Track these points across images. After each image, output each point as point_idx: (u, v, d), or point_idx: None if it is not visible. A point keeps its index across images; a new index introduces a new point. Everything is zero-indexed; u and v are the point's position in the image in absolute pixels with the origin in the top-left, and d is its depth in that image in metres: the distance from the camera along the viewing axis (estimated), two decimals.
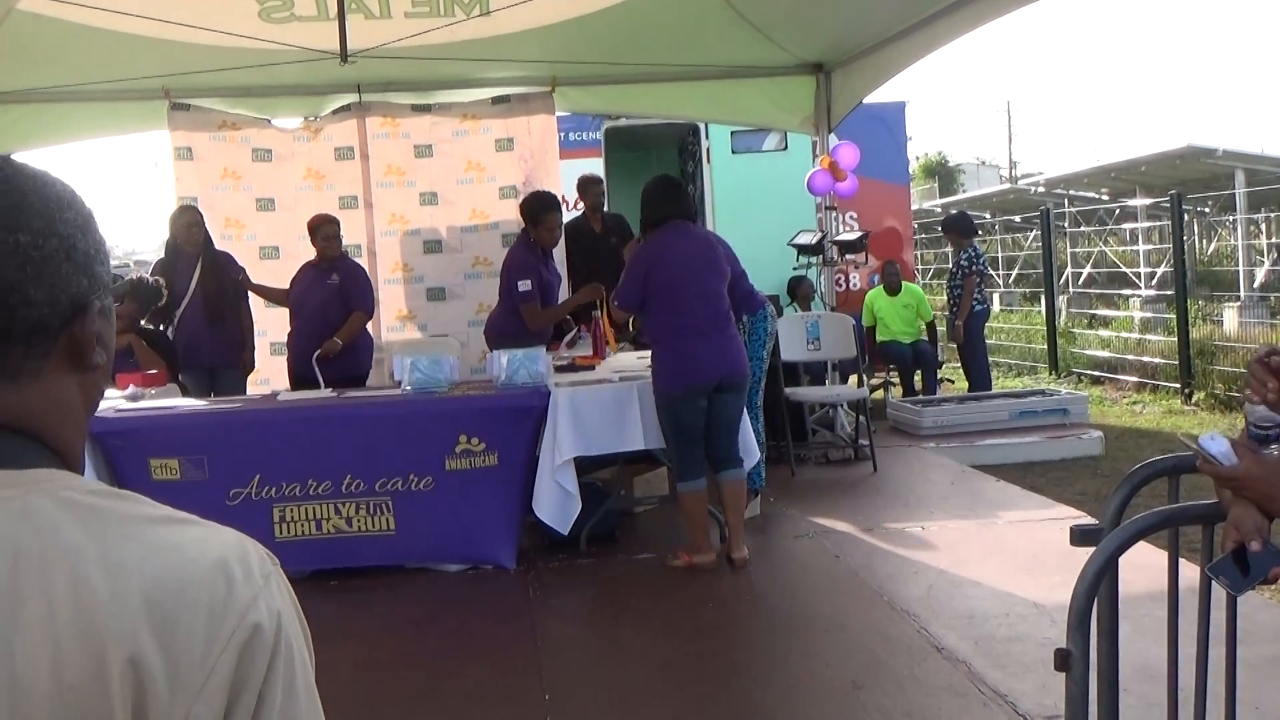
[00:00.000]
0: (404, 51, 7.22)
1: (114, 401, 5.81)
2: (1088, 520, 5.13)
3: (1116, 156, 18.41)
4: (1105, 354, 13.42)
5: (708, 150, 10.85)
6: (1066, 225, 18.59)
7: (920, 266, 18.74)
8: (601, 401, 5.75)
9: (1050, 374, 13.47)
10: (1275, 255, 16.71)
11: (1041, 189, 20.23)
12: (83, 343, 0.94)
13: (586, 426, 5.67)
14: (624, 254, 6.37)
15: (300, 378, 6.91)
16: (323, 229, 7.00)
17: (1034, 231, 18.17)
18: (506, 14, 7.08)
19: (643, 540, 6.29)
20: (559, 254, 7.28)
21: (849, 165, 8.52)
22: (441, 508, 5.64)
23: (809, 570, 5.67)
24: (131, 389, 6.08)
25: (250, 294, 7.47)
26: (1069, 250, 18.59)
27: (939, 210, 22.55)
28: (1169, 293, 13.97)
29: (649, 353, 5.85)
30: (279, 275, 7.64)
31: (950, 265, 11.38)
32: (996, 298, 17.77)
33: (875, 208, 10.94)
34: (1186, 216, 14.55)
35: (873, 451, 7.91)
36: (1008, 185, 31.68)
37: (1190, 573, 2.68)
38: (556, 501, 5.63)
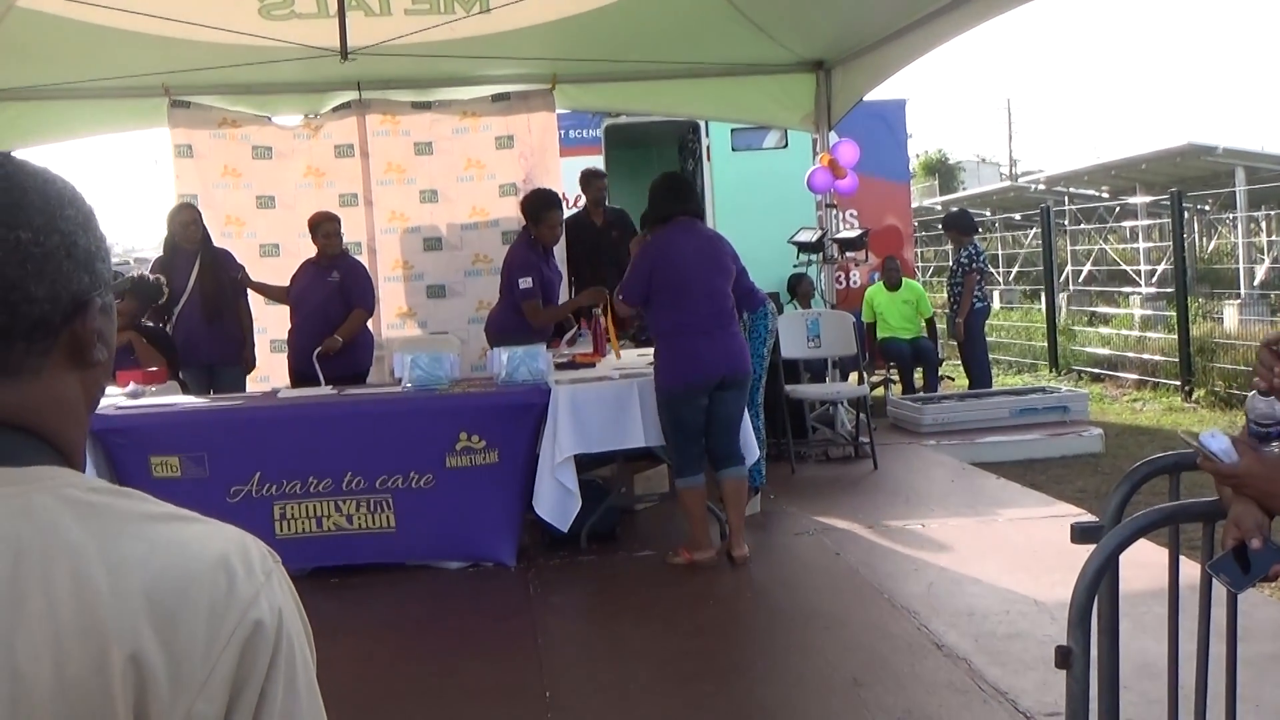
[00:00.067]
0: (404, 49, 7.22)
1: (114, 399, 5.82)
2: (1088, 518, 5.14)
3: (1117, 154, 18.41)
4: (1105, 351, 13.43)
5: (708, 148, 10.84)
6: (1067, 223, 18.58)
7: (920, 264, 18.74)
8: (602, 399, 5.75)
9: (1050, 371, 13.48)
10: (1275, 253, 16.71)
11: (1042, 186, 20.21)
12: (84, 339, 0.94)
13: (587, 424, 5.67)
14: (629, 248, 6.37)
15: (301, 375, 6.91)
16: (323, 226, 7.00)
17: (1034, 229, 18.17)
18: (506, 11, 7.08)
19: (643, 538, 6.29)
20: (559, 249, 7.28)
21: (849, 163, 8.52)
22: (442, 505, 5.64)
23: (809, 568, 5.68)
24: (132, 386, 6.09)
25: (250, 291, 7.47)
26: (1069, 248, 18.58)
27: (939, 208, 22.54)
28: (1169, 290, 13.96)
29: (650, 350, 5.85)
30: (279, 273, 7.63)
31: (950, 263, 11.38)
32: (997, 295, 17.76)
33: (875, 205, 10.93)
34: (1187, 214, 14.55)
35: (873, 449, 7.92)
36: (1008, 183, 31.67)
37: (1191, 570, 2.68)
38: (556, 499, 5.64)
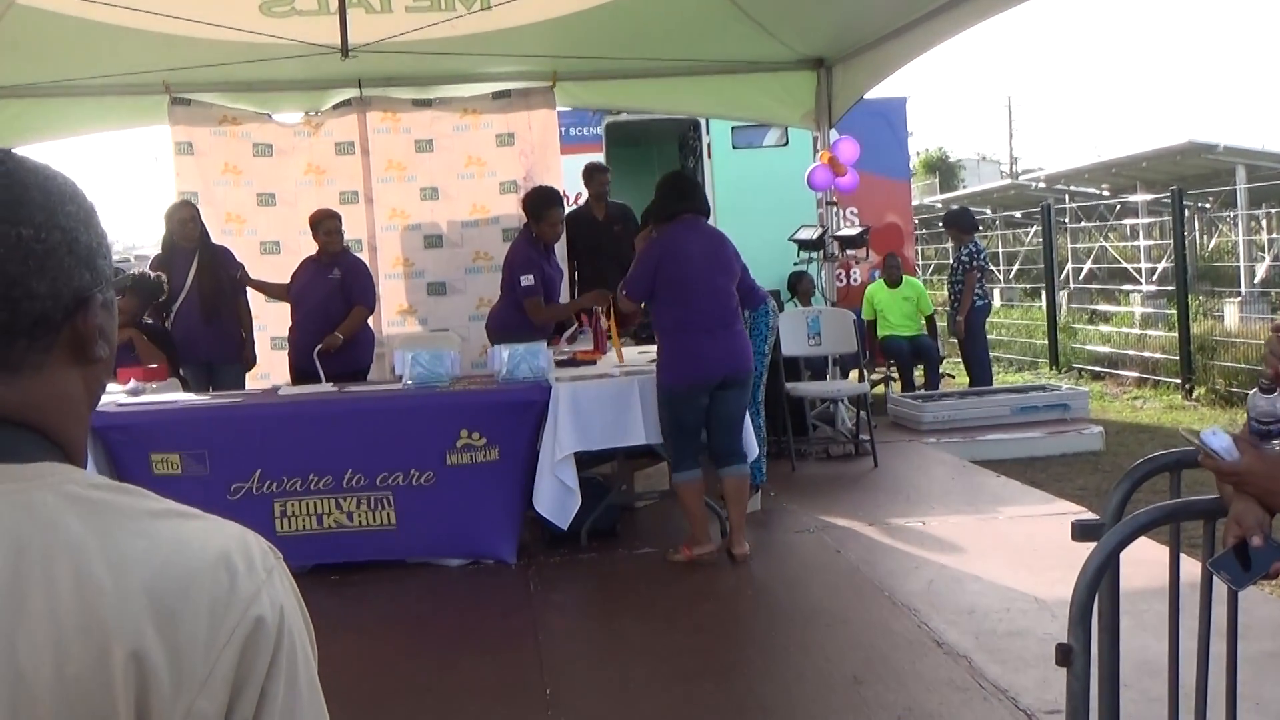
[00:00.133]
0: (405, 46, 7.22)
1: (115, 396, 5.81)
2: (1088, 515, 5.13)
3: (1117, 152, 18.41)
4: (1106, 349, 13.42)
5: (708, 145, 10.83)
6: (1067, 221, 18.57)
7: (921, 262, 18.73)
8: (602, 396, 5.75)
9: (1051, 369, 13.47)
10: (1276, 251, 16.71)
11: (1042, 184, 20.20)
12: (85, 336, 0.94)
13: (587, 421, 5.67)
14: (634, 244, 6.38)
15: (301, 372, 6.91)
16: (324, 224, 7.00)
17: (1035, 227, 18.16)
18: (507, 8, 7.07)
19: (643, 535, 6.30)
20: (560, 246, 7.28)
21: (848, 160, 8.51)
22: (442, 502, 5.64)
23: (810, 565, 5.68)
24: (133, 383, 6.09)
25: (250, 289, 7.46)
26: (1070, 246, 18.58)
27: (940, 206, 22.53)
28: (1170, 288, 13.95)
29: (650, 348, 5.85)
30: (280, 270, 7.63)
31: (951, 261, 11.37)
32: (997, 293, 17.75)
33: (876, 203, 10.93)
34: (1187, 212, 14.54)
35: (873, 447, 7.92)
36: (1008, 181, 31.67)
37: (1191, 568, 2.68)
38: (556, 496, 5.64)
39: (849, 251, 9.65)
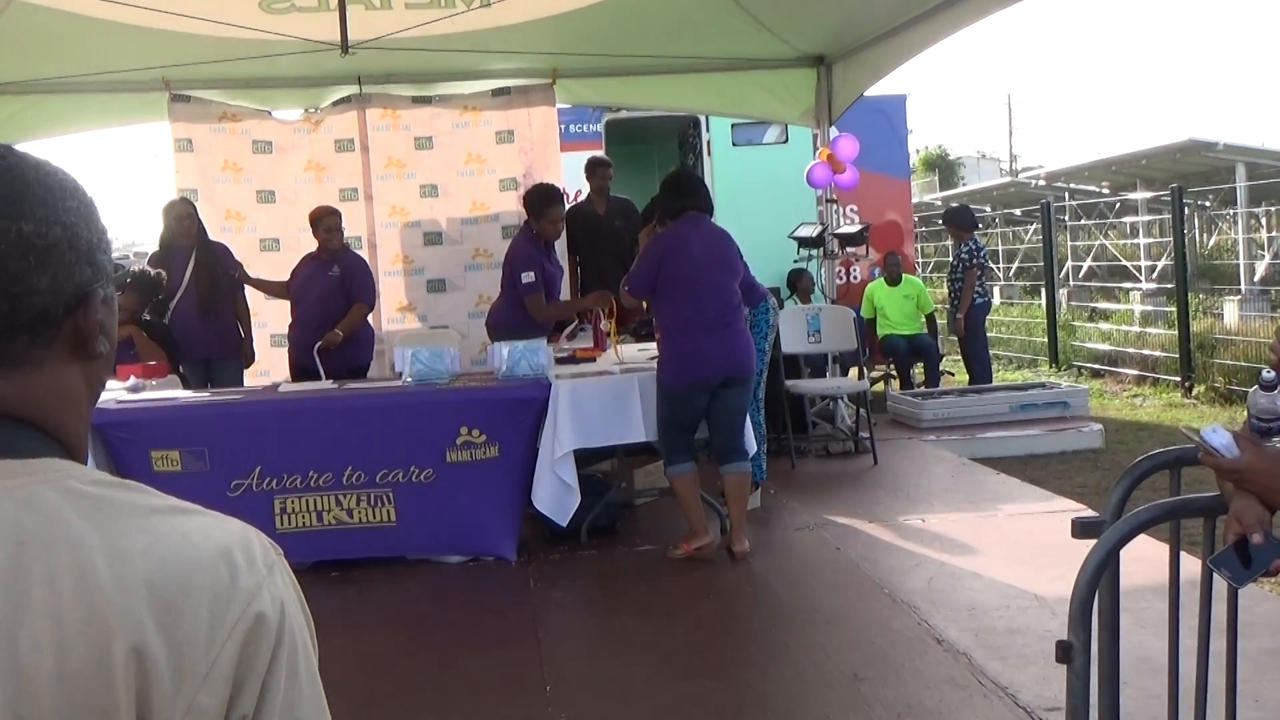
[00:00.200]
0: (404, 43, 7.21)
1: (115, 393, 5.81)
2: (1088, 513, 5.13)
3: (1117, 150, 18.41)
4: (1106, 347, 13.43)
5: (708, 143, 10.83)
6: (1067, 219, 18.58)
7: (921, 260, 18.72)
8: (602, 393, 5.75)
9: (1050, 367, 13.48)
10: (1276, 249, 16.71)
11: (1042, 182, 20.21)
12: (86, 331, 0.94)
13: (587, 419, 5.67)
14: (638, 239, 6.37)
15: (301, 369, 6.91)
16: (324, 221, 7.00)
17: (1034, 225, 18.16)
18: (507, 5, 7.07)
19: (643, 532, 6.30)
20: (560, 240, 7.27)
21: (847, 157, 8.51)
22: (442, 499, 5.64)
23: (810, 562, 5.68)
24: (132, 380, 6.08)
25: (249, 287, 7.46)
26: (1069, 244, 18.58)
27: (939, 203, 22.53)
28: (1169, 286, 13.96)
29: (650, 345, 5.84)
30: (279, 267, 7.63)
31: (951, 259, 11.37)
32: (997, 291, 17.76)
33: (876, 201, 10.93)
34: (1187, 210, 14.54)
35: (873, 444, 7.92)
36: (1008, 178, 31.67)
37: (1191, 565, 2.68)
38: (555, 493, 5.63)
39: (849, 249, 9.65)
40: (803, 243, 9.26)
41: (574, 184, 8.94)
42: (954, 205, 14.25)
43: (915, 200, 16.81)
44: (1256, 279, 15.89)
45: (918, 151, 38.83)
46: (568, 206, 7.73)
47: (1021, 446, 8.52)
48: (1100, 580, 2.23)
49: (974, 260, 10.65)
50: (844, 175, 8.57)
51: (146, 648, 0.84)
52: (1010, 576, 5.13)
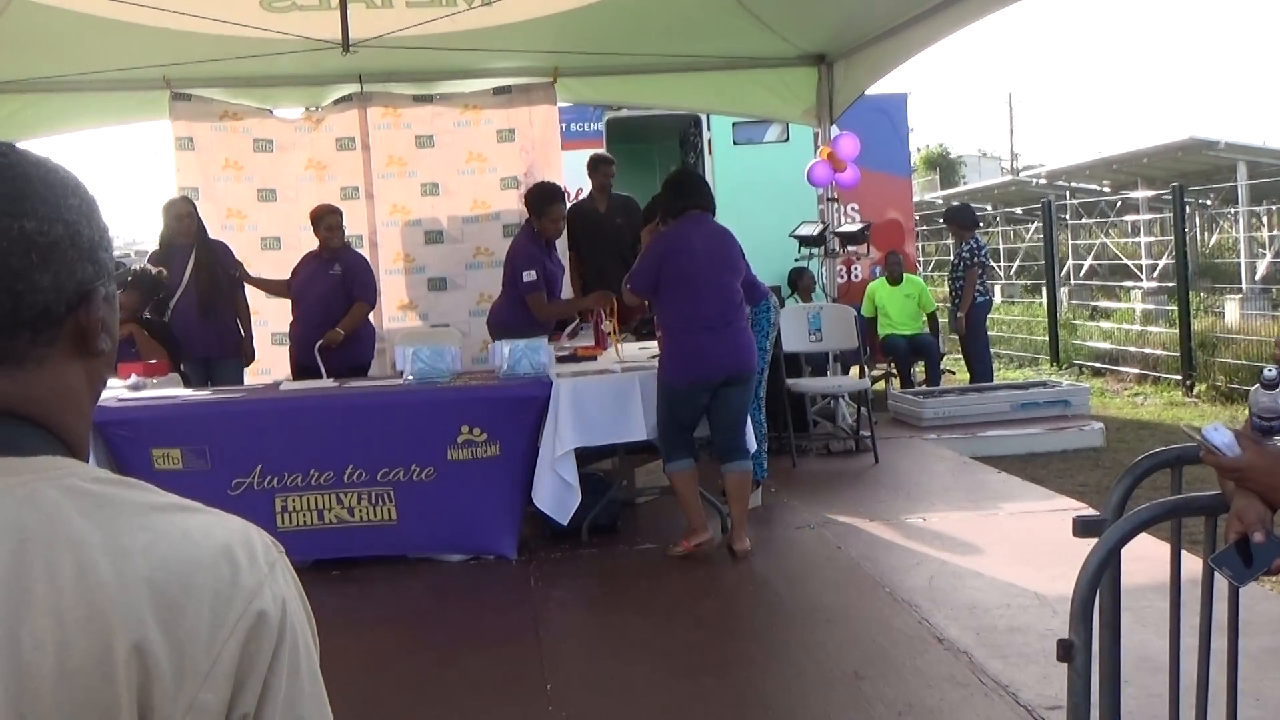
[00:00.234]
0: (406, 41, 7.21)
1: (116, 391, 5.81)
2: (1089, 512, 5.13)
3: (1118, 149, 18.41)
4: (1106, 346, 13.42)
5: (709, 141, 10.83)
6: (1068, 217, 18.57)
7: (922, 258, 18.74)
8: (603, 392, 5.75)
9: (1051, 366, 13.47)
10: (1277, 247, 16.70)
11: (1043, 181, 20.22)
12: (88, 329, 0.94)
13: (588, 417, 5.67)
14: (641, 236, 6.37)
15: (302, 368, 6.92)
16: (326, 219, 7.00)
17: (1035, 223, 18.17)
18: (508, 4, 7.07)
19: (644, 531, 6.30)
20: (561, 238, 7.28)
21: (848, 155, 8.51)
22: (443, 498, 5.64)
23: (811, 561, 5.68)
24: (134, 379, 6.09)
25: (249, 285, 7.46)
26: (1070, 242, 18.58)
27: (940, 202, 22.53)
28: (1170, 285, 13.96)
29: (652, 344, 5.84)
30: (280, 266, 7.63)
31: (952, 257, 11.37)
32: (998, 289, 17.76)
33: (877, 199, 10.93)
34: (1188, 209, 14.54)
35: (874, 443, 7.91)
36: (1009, 177, 31.67)
37: (1192, 564, 2.68)
38: (555, 492, 5.63)
39: (850, 248, 9.64)
40: (804, 241, 9.26)
41: (574, 183, 8.93)
42: (955, 204, 14.25)
43: (916, 199, 16.81)
44: (1257, 277, 15.89)
45: (919, 150, 38.84)
46: (569, 204, 7.73)
47: (1022, 445, 8.52)
48: (1101, 579, 2.23)
49: (975, 259, 10.65)
50: (845, 174, 8.57)
51: (148, 645, 0.84)
52: (1011, 575, 5.13)
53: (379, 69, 8.05)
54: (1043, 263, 15.45)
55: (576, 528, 5.87)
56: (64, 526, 0.86)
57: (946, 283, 12.13)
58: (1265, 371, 2.11)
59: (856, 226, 9.61)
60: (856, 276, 11.14)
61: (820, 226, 9.07)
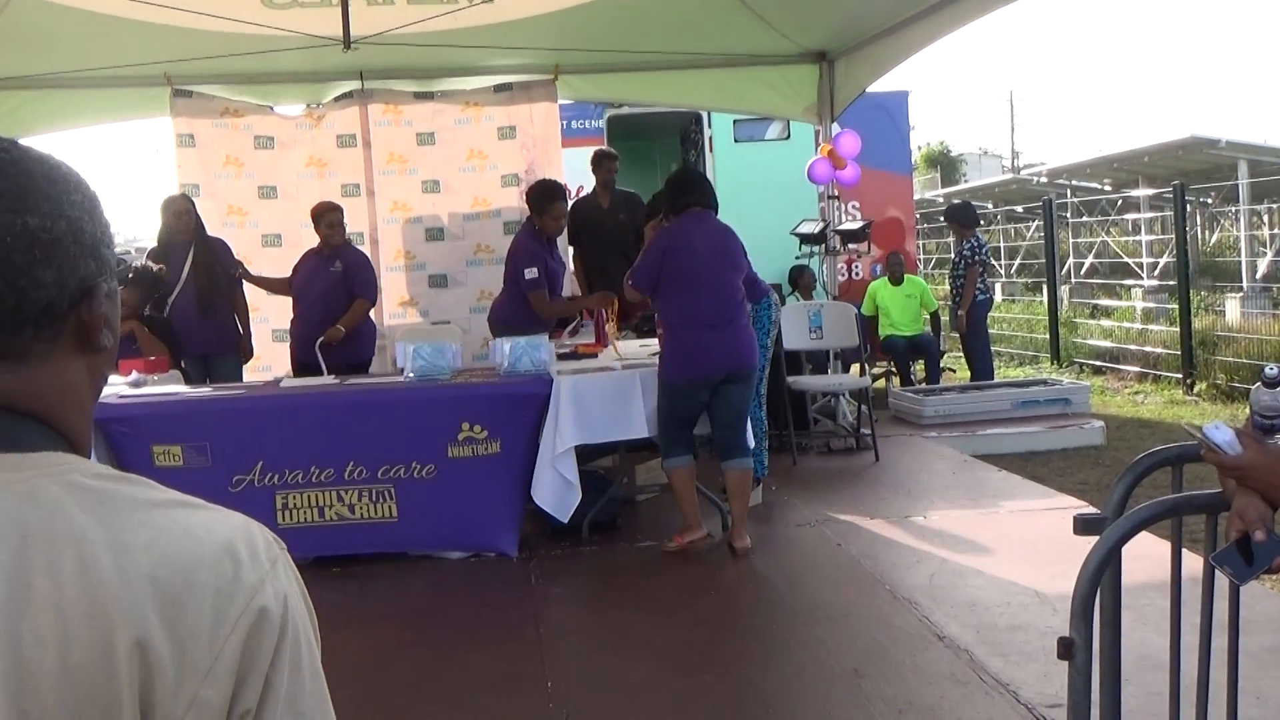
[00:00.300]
0: (407, 38, 7.21)
1: (117, 388, 5.81)
2: (1090, 510, 5.13)
3: (1119, 147, 18.48)
4: (1107, 344, 13.42)
5: (710, 139, 10.83)
6: (1069, 215, 18.57)
7: (923, 256, 18.73)
8: (604, 389, 5.75)
9: (1052, 364, 13.47)
10: (1278, 246, 16.70)
11: (1044, 179, 20.22)
12: (90, 325, 0.94)
13: (589, 414, 5.67)
14: (644, 233, 6.37)
15: (303, 365, 6.92)
16: (326, 216, 7.00)
17: (1036, 222, 18.16)
18: (509, 1, 7.07)
19: (645, 528, 6.30)
20: (562, 237, 7.27)
21: (849, 153, 8.50)
22: (444, 495, 5.64)
23: (811, 559, 5.68)
24: (134, 375, 6.08)
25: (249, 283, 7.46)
26: (1071, 240, 18.57)
27: (941, 200, 22.53)
28: (1171, 283, 13.96)
29: (652, 341, 5.84)
30: (281, 263, 7.63)
31: (952, 255, 11.37)
32: (999, 288, 17.76)
33: (878, 197, 10.92)
34: (1189, 207, 14.54)
35: (874, 441, 7.91)
36: (1010, 175, 31.66)
37: (1193, 563, 2.68)
38: (556, 489, 5.64)
39: (851, 246, 9.64)
40: (804, 239, 9.26)
41: (575, 180, 8.93)
42: (956, 202, 14.24)
43: (917, 197, 16.81)
44: (1258, 276, 15.88)
45: (920, 148, 38.77)
46: (571, 201, 7.72)
47: (1023, 443, 8.52)
48: (1102, 577, 2.23)
49: (976, 257, 10.64)
50: (846, 171, 8.57)
51: (150, 642, 0.84)
52: (1011, 573, 5.13)
53: (380, 66, 8.05)
54: (1043, 261, 15.45)
55: (577, 525, 5.87)
56: (66, 522, 0.86)
57: (947, 281, 12.14)
58: (1266, 369, 2.11)
59: (857, 224, 9.60)
60: (857, 274, 11.14)
61: (821, 224, 9.07)
